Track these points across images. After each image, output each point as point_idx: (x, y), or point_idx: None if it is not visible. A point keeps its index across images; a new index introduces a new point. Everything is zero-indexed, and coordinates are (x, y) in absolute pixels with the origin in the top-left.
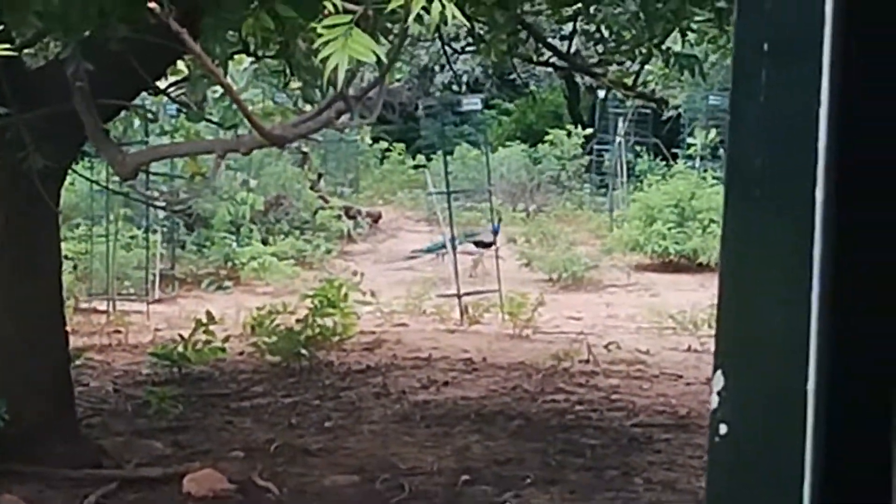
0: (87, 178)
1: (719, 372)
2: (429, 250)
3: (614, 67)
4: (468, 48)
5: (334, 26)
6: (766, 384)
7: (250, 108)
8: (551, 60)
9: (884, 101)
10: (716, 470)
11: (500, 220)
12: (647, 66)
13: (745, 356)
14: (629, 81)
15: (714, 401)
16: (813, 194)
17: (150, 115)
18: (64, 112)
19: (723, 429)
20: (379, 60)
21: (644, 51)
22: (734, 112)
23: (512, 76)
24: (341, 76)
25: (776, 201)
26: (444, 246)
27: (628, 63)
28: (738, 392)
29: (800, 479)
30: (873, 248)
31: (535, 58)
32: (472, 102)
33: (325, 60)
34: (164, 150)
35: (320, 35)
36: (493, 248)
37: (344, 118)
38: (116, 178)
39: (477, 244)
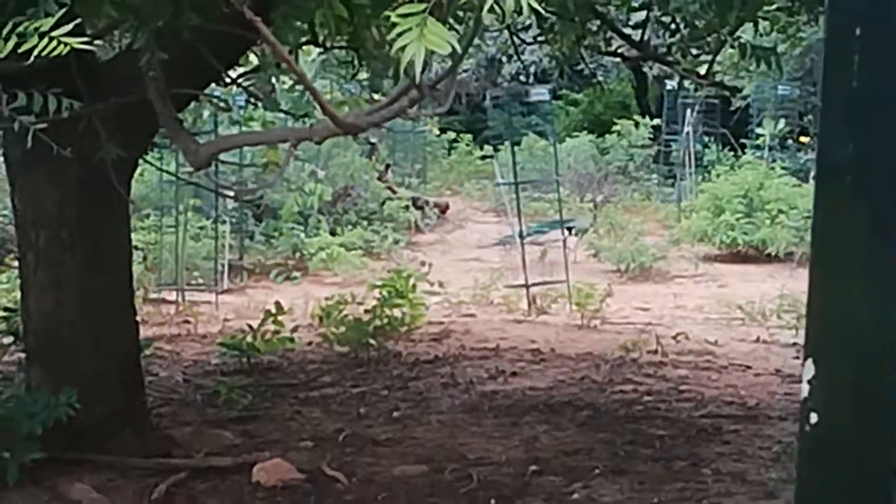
0: (159, 168)
1: (810, 361)
2: (537, 232)
3: (687, 58)
4: (537, 38)
5: (408, 15)
6: (859, 374)
7: None
8: (620, 51)
9: None
10: (806, 457)
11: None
12: (718, 57)
13: (837, 345)
14: (702, 71)
15: (805, 390)
16: None
17: (223, 105)
18: (135, 103)
19: (813, 418)
20: (452, 50)
21: (717, 40)
22: (825, 98)
23: (580, 66)
24: (419, 68)
25: (869, 188)
26: (552, 228)
27: (700, 54)
28: (830, 381)
29: (890, 467)
30: None
31: (604, 48)
32: (540, 93)
33: (400, 50)
34: (237, 139)
35: (394, 24)
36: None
37: (416, 108)
38: (186, 169)
39: (569, 230)
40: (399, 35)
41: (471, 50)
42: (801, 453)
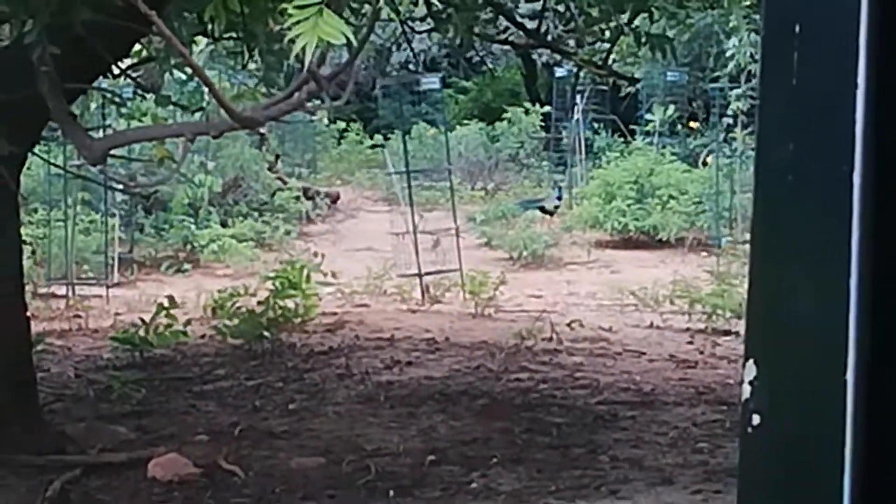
0: (48, 161)
1: (751, 361)
2: (528, 205)
3: (584, 47)
4: (427, 27)
5: (304, 6)
6: (803, 374)
7: None
8: (511, 38)
9: None
10: (749, 461)
11: (560, 187)
12: (603, 43)
13: (780, 346)
14: (596, 61)
15: (746, 391)
16: (851, 179)
17: (116, 99)
18: (23, 96)
19: (756, 419)
20: (348, 41)
21: (614, 29)
22: (764, 96)
23: (469, 54)
24: (308, 57)
25: (810, 187)
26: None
27: (595, 41)
28: (772, 382)
29: (839, 470)
30: None
31: (496, 36)
32: (430, 81)
33: (292, 41)
34: (133, 134)
35: (290, 16)
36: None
37: (312, 101)
38: (75, 162)
39: (542, 210)
40: (294, 25)
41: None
42: (743, 455)
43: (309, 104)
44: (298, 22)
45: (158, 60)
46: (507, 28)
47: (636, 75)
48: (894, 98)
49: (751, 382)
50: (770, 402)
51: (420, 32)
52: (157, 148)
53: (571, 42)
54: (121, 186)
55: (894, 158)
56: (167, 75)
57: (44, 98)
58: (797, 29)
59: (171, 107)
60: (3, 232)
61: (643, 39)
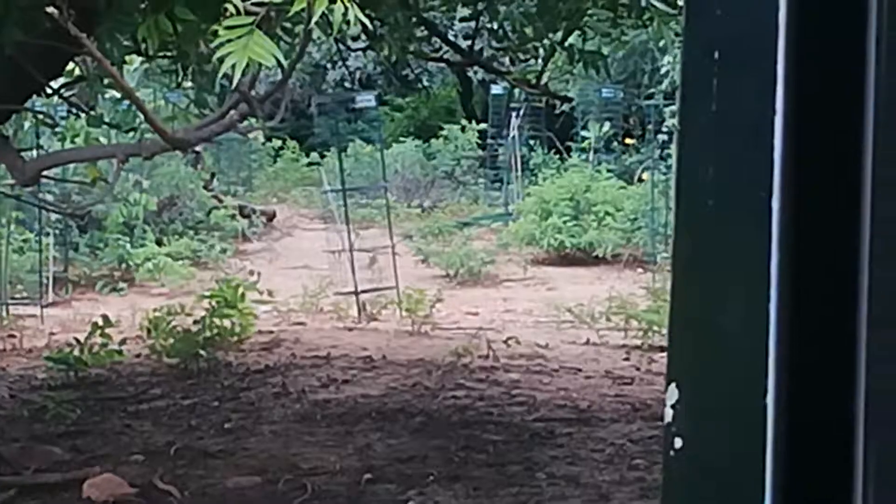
0: None
1: (673, 385)
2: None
3: (517, 64)
4: (362, 45)
5: (235, 27)
6: (724, 397)
7: None
8: (446, 56)
9: (840, 108)
10: (672, 485)
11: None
12: (538, 60)
13: (701, 369)
14: (530, 79)
15: (668, 414)
16: (769, 204)
17: (48, 120)
18: None
19: (678, 443)
20: (279, 62)
21: (547, 47)
22: (683, 121)
23: (405, 72)
24: (237, 77)
25: (730, 211)
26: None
27: (528, 59)
28: (694, 405)
29: (760, 495)
30: (833, 258)
31: (431, 54)
32: (366, 99)
33: (221, 61)
34: (65, 155)
35: (219, 36)
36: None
37: (245, 122)
38: (7, 181)
39: None
40: (222, 45)
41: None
42: (666, 479)
43: (241, 124)
44: (229, 41)
45: (90, 81)
46: (441, 46)
47: (571, 93)
48: (812, 125)
49: (673, 406)
50: (691, 425)
51: (355, 51)
52: (90, 168)
53: (506, 60)
54: (54, 208)
55: (812, 184)
56: (99, 95)
57: None
58: (716, 55)
59: (104, 126)
60: None
61: (577, 57)
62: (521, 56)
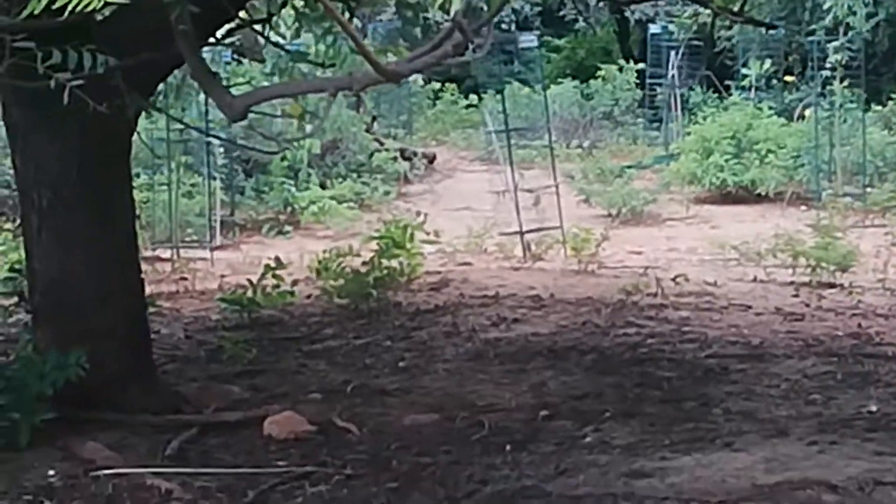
0: (176, 121)
1: None
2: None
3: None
4: None
5: None
6: None
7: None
8: None
9: None
10: None
11: None
12: None
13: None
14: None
15: None
16: None
17: (259, 57)
18: (143, 59)
19: None
20: None
21: None
22: None
23: (561, 13)
24: (455, 7)
25: None
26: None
27: None
28: None
29: None
30: None
31: None
32: (528, 40)
33: None
34: (274, 90)
35: None
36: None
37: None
38: (176, 127)
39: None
40: None
41: None
42: None
43: (455, 57)
44: None
45: (300, 16)
46: None
47: (732, 31)
48: None
49: None
50: None
51: None
52: (293, 106)
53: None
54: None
55: None
56: (259, 38)
57: (164, 59)
58: None
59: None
60: (118, 193)
61: None
62: None
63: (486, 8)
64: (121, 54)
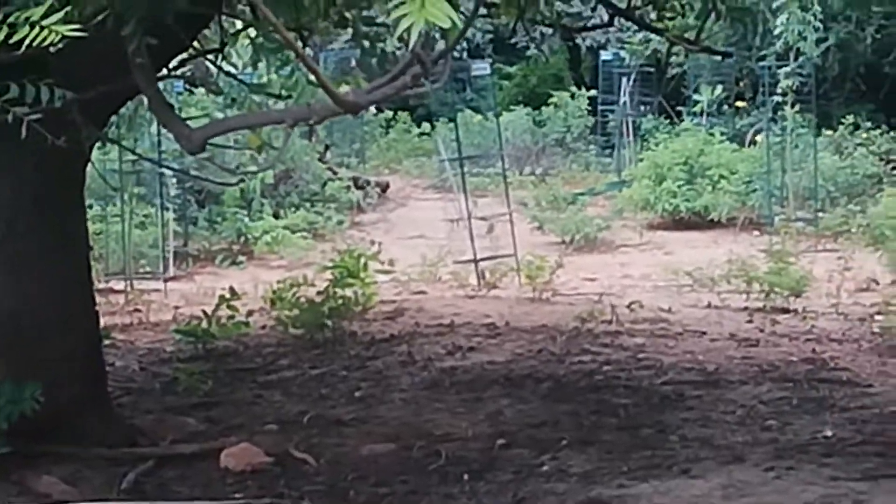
0: (129, 150)
1: None
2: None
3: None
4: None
5: None
6: None
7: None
8: (563, 21)
9: None
10: None
11: None
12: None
13: None
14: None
15: None
16: None
17: (213, 88)
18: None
19: None
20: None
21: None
22: None
23: (513, 40)
24: (413, 38)
25: None
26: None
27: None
28: None
29: None
30: None
31: (544, 20)
32: (480, 68)
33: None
34: (232, 122)
35: None
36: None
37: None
38: (129, 158)
39: None
40: (398, 5)
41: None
42: None
43: (413, 89)
44: (403, 2)
45: (256, 46)
46: (559, 12)
47: (681, 57)
48: None
49: None
50: None
51: (471, 18)
52: (251, 136)
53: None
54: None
55: None
56: (211, 68)
57: (120, 90)
58: None
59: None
60: (72, 221)
61: (723, 13)
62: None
63: (441, 39)
64: (77, 87)
